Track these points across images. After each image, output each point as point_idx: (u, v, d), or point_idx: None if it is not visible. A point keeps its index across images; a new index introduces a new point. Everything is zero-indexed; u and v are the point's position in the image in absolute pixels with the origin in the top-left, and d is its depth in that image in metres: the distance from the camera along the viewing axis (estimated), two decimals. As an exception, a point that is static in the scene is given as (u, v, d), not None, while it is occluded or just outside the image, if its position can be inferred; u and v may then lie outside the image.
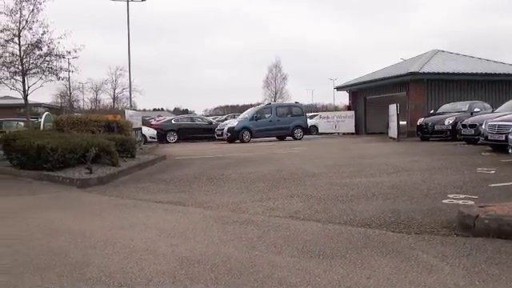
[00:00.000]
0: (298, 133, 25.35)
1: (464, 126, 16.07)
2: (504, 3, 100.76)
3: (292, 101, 40.59)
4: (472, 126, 15.52)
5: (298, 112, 26.38)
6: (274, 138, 25.04)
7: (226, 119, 31.54)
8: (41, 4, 15.04)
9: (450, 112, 19.55)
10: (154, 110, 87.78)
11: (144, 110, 69.58)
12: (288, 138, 24.92)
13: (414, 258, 3.87)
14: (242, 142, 23.41)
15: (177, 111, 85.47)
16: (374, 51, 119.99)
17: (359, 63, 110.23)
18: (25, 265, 3.97)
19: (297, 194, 7.11)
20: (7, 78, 15.31)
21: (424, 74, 23.49)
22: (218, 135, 24.91)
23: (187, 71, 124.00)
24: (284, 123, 25.03)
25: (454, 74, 23.88)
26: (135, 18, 60.06)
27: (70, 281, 3.56)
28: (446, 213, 5.41)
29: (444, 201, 6.14)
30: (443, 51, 28.24)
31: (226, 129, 24.18)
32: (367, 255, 4.00)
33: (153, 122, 29.28)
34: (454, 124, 17.94)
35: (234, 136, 23.58)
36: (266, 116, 25.04)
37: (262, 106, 26.71)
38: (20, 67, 15.05)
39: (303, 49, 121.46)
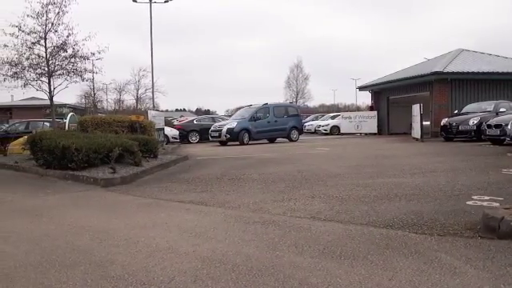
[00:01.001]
0: (294, 134, 24.48)
1: (489, 126, 15.79)
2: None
3: (314, 101, 39.98)
4: (497, 126, 15.24)
5: (293, 112, 25.53)
6: (265, 141, 23.91)
7: None
8: (66, 7, 15.32)
9: (475, 112, 19.21)
10: (177, 110, 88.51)
11: (166, 111, 70.27)
12: (278, 139, 24.04)
13: (436, 260, 3.83)
14: (242, 144, 22.04)
15: (199, 112, 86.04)
16: (398, 51, 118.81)
17: (383, 63, 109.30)
18: (51, 262, 4.06)
19: (318, 194, 7.09)
20: (34, 80, 15.63)
21: (448, 73, 23.12)
22: (212, 136, 23.25)
23: (209, 72, 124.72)
24: (281, 124, 24.09)
25: (479, 73, 23.45)
26: (158, 19, 60.70)
27: (94, 278, 3.63)
28: (471, 214, 5.33)
29: (468, 202, 6.05)
30: (468, 50, 27.76)
31: (224, 129, 22.50)
32: (389, 256, 3.97)
33: (175, 123, 29.55)
34: (479, 124, 17.62)
35: (234, 137, 22.29)
36: (265, 117, 23.86)
37: (259, 105, 24.50)
38: (46, 69, 15.35)
39: (326, 48, 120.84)
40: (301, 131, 26.06)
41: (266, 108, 24.27)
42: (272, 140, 24.13)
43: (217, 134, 22.90)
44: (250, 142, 22.72)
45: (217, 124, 24.29)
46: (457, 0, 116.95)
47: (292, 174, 9.64)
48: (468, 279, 3.41)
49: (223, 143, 22.42)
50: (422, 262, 3.81)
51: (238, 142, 22.20)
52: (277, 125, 23.90)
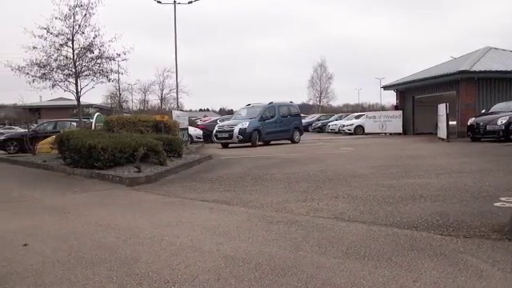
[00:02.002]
0: (296, 135, 23.13)
1: (518, 126, 15.41)
2: None
3: (338, 101, 39.35)
4: (527, 126, 14.86)
5: (295, 112, 24.06)
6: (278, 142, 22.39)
7: None
8: (93, 9, 15.59)
9: (503, 111, 18.76)
10: (200, 110, 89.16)
11: (190, 111, 70.83)
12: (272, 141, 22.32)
13: (462, 263, 3.77)
14: (254, 145, 20.31)
15: (222, 111, 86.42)
16: (424, 50, 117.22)
17: (408, 62, 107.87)
18: (78, 258, 4.15)
19: (342, 194, 7.05)
20: (61, 81, 15.95)
21: (475, 72, 22.67)
22: (219, 138, 21.28)
23: (232, 72, 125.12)
24: (286, 125, 22.55)
25: (507, 72, 22.91)
26: (183, 19, 61.20)
27: (119, 275, 3.69)
28: (498, 216, 5.22)
29: (496, 204, 5.93)
30: (496, 48, 27.17)
31: (236, 130, 20.50)
32: (414, 258, 3.93)
33: (199, 123, 29.74)
34: (508, 124, 17.24)
35: (246, 139, 20.43)
36: (272, 116, 22.11)
37: (265, 104, 22.64)
38: (73, 70, 15.64)
39: (350, 48, 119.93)
40: (302, 132, 24.80)
41: (272, 107, 22.60)
42: (267, 142, 22.08)
43: (226, 135, 20.88)
44: (258, 144, 21.14)
45: (223, 124, 22.37)
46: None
47: (315, 174, 9.61)
48: (495, 282, 3.35)
49: (225, 145, 20.81)
50: (447, 264, 3.76)
51: (243, 144, 20.60)
52: (282, 125, 22.46)
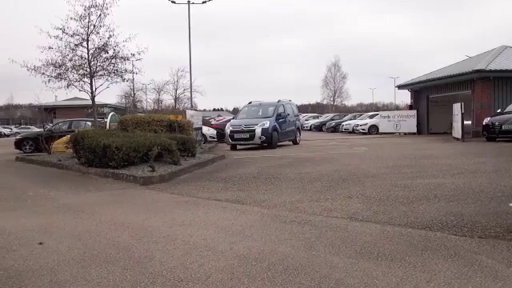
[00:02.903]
0: (298, 136, 21.58)
1: (535, 125, 15.20)
2: None
3: (352, 100, 38.43)
4: (544, 125, 14.66)
5: (295, 111, 22.52)
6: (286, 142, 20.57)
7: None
8: (107, 9, 15.70)
9: (520, 111, 18.54)
10: (214, 110, 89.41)
11: (204, 110, 71.06)
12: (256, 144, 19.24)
13: (477, 263, 3.74)
14: (272, 147, 18.19)
15: (236, 111, 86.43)
16: (439, 49, 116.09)
17: (422, 61, 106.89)
18: (92, 257, 4.20)
19: (355, 194, 7.02)
20: (76, 80, 16.09)
21: (491, 71, 22.39)
22: (235, 139, 18.70)
23: (246, 71, 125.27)
24: (291, 125, 20.91)
25: (523, 70, 22.58)
26: (197, 19, 61.34)
27: (133, 274, 3.72)
28: (514, 217, 5.17)
29: (511, 204, 5.86)
30: (511, 47, 26.81)
31: (259, 130, 18.25)
32: (428, 258, 3.91)
33: (212, 122, 29.81)
34: (524, 124, 17.00)
35: (268, 140, 18.34)
36: (283, 116, 20.11)
37: (275, 102, 20.63)
38: (88, 70, 15.78)
39: (364, 47, 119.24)
40: (300, 133, 22.87)
41: (281, 106, 20.54)
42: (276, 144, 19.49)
43: (245, 136, 18.47)
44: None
45: (237, 123, 19.35)
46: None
47: (329, 173, 9.58)
48: (510, 283, 3.32)
49: (234, 147, 18.67)
50: (461, 264, 3.73)
51: (250, 145, 18.89)
52: (290, 125, 20.82)
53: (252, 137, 18.36)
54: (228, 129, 19.20)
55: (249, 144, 18.63)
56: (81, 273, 3.79)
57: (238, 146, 19.16)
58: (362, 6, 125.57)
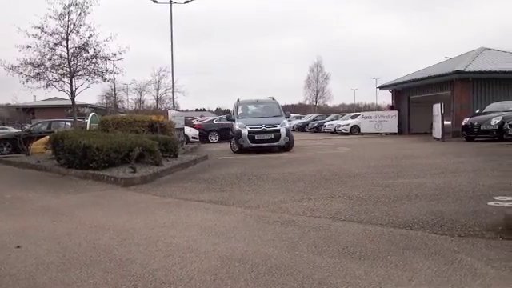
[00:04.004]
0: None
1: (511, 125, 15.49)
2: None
3: (334, 101, 37.71)
4: (520, 125, 14.94)
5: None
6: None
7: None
8: (87, 8, 15.52)
9: (497, 111, 18.86)
10: (197, 110, 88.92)
11: (186, 111, 70.63)
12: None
13: (457, 261, 3.79)
14: (287, 150, 16.50)
15: (219, 111, 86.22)
16: (421, 51, 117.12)
17: (404, 62, 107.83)
18: (72, 260, 4.13)
19: (338, 194, 7.06)
20: (56, 80, 15.89)
21: (470, 72, 22.76)
22: (256, 140, 16.19)
23: (229, 72, 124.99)
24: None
25: (501, 72, 23.00)
26: (180, 19, 60.98)
27: (114, 277, 3.67)
28: (492, 215, 5.25)
29: (490, 203, 5.95)
30: (489, 49, 27.29)
31: (284, 131, 16.38)
32: (409, 257, 3.94)
33: (195, 123, 29.68)
34: (501, 124, 17.33)
35: (290, 141, 16.73)
36: (288, 114, 19.60)
37: (274, 100, 19.09)
38: (68, 69, 15.59)
39: (346, 48, 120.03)
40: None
41: (276, 104, 18.89)
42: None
43: (270, 137, 16.22)
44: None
45: (252, 122, 16.77)
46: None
47: (311, 173, 9.61)
48: (489, 280, 3.36)
49: (241, 150, 16.35)
50: (442, 262, 3.77)
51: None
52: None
53: (277, 138, 16.24)
54: (243, 129, 16.27)
55: (272, 146, 16.43)
56: (60, 276, 3.73)
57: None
58: (343, 8, 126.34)
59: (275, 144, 16.31)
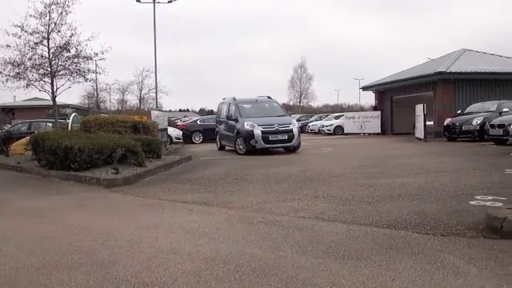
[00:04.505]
0: None
1: (492, 126, 15.74)
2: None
3: (318, 101, 37.32)
4: (501, 126, 15.19)
5: None
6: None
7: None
8: (69, 7, 15.31)
9: (478, 112, 19.16)
10: (180, 110, 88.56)
11: (170, 111, 70.25)
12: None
13: (439, 260, 3.82)
14: (293, 151, 15.84)
15: (202, 112, 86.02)
16: (404, 52, 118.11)
17: (387, 63, 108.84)
18: (53, 263, 4.06)
19: (322, 194, 7.08)
20: (36, 80, 15.64)
21: (451, 73, 23.07)
22: (271, 141, 15.32)
23: (213, 72, 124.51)
24: None
25: (482, 73, 23.38)
26: (163, 19, 60.55)
27: (97, 279, 3.62)
28: (473, 214, 5.32)
29: (471, 202, 6.03)
30: (471, 50, 27.70)
31: (296, 131, 15.77)
32: (392, 257, 3.97)
33: (178, 123, 29.53)
34: (482, 124, 17.58)
35: (299, 142, 16.18)
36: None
37: (265, 98, 18.26)
38: (49, 69, 15.36)
39: (329, 49, 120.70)
40: None
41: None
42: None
43: (284, 138, 15.48)
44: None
45: (263, 121, 15.68)
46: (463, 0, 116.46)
47: (295, 174, 9.63)
48: (471, 279, 3.40)
49: (252, 152, 15.22)
50: (425, 262, 3.80)
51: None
52: None
53: (291, 138, 15.53)
54: (255, 129, 15.28)
55: (286, 147, 15.86)
56: (41, 280, 3.66)
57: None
58: (327, 9, 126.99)
59: (288, 145, 15.71)
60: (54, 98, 15.91)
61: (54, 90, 15.66)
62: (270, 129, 15.44)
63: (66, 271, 3.83)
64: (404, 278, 3.44)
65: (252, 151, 15.22)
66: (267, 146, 15.34)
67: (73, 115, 16.67)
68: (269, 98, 18.37)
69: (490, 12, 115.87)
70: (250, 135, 15.35)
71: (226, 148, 17.58)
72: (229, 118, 16.93)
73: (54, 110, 17.67)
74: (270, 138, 15.31)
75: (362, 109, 60.70)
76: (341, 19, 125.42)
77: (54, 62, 15.39)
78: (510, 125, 14.05)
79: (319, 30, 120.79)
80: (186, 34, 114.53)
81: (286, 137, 15.46)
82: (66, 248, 4.55)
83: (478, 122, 18.09)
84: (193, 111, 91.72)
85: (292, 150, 15.83)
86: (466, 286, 3.28)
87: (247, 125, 15.51)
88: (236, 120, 16.29)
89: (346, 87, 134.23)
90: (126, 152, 10.41)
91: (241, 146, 15.70)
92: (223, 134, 17.71)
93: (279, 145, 15.66)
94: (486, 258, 3.84)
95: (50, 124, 19.91)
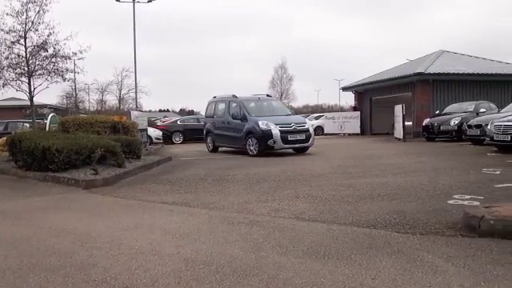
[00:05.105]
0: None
1: (470, 126, 16.02)
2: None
3: (298, 102, 36.72)
4: (478, 126, 15.47)
5: None
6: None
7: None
8: (47, 5, 15.12)
9: (456, 112, 19.49)
10: (160, 110, 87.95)
11: (150, 111, 69.75)
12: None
13: (419, 259, 3.87)
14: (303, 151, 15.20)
15: (182, 112, 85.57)
16: (383, 53, 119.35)
17: (366, 64, 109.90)
18: (30, 266, 3.99)
19: (302, 194, 7.10)
20: (13, 80, 15.41)
21: (430, 74, 23.40)
22: (290, 141, 14.60)
23: (194, 72, 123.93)
24: None
25: (459, 74, 23.80)
26: (143, 19, 59.97)
27: (76, 282, 3.57)
28: (452, 213, 5.40)
29: (449, 201, 6.13)
30: (448, 52, 28.16)
31: (312, 130, 15.54)
32: (372, 256, 4.00)
33: (158, 123, 29.32)
34: (460, 124, 17.88)
35: None
36: None
37: (264, 96, 17.86)
38: (26, 68, 15.13)
39: (310, 50, 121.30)
40: None
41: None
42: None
43: (302, 137, 14.79)
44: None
45: (278, 120, 14.97)
46: (441, 3, 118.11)
47: (276, 174, 9.65)
48: (449, 277, 3.45)
49: (261, 153, 14.44)
50: (404, 260, 3.84)
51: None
52: None
53: (308, 138, 14.91)
54: (273, 128, 14.40)
55: (304, 147, 15.12)
56: (18, 283, 3.59)
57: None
58: (308, 10, 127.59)
59: (306, 145, 15.03)
60: (31, 97, 15.68)
61: (32, 89, 15.45)
62: (287, 128, 14.65)
63: (44, 274, 3.76)
64: (384, 277, 3.48)
65: (263, 153, 14.36)
66: (286, 146, 14.61)
67: (51, 115, 16.38)
68: (268, 96, 17.38)
69: (469, 15, 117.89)
70: (267, 135, 14.35)
71: (219, 149, 16.86)
72: (234, 116, 15.74)
73: (32, 110, 17.41)
74: (289, 137, 14.53)
75: (341, 109, 61.14)
76: (321, 20, 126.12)
77: (31, 61, 15.18)
78: (486, 125, 14.30)
79: (300, 30, 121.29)
80: (167, 34, 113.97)
81: (303, 136, 14.78)
82: (44, 250, 4.48)
83: (456, 122, 18.41)
84: (173, 111, 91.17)
85: (302, 150, 15.15)
86: (445, 284, 3.32)
87: (263, 124, 14.49)
88: (244, 119, 15.28)
89: (326, 88, 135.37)
90: (106, 153, 10.30)
91: (252, 147, 14.67)
92: (220, 134, 16.59)
93: (297, 145, 14.92)
94: (464, 256, 3.91)
95: (28, 124, 19.62)
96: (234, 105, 16.13)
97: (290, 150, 15.21)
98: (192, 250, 4.34)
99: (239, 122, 15.45)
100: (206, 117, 18.32)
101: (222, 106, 17.01)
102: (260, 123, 14.59)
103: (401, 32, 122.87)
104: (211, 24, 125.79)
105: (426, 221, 5.12)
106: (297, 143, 14.78)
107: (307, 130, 15.00)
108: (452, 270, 3.60)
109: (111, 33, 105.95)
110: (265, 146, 14.37)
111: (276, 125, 14.53)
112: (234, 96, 16.62)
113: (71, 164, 9.89)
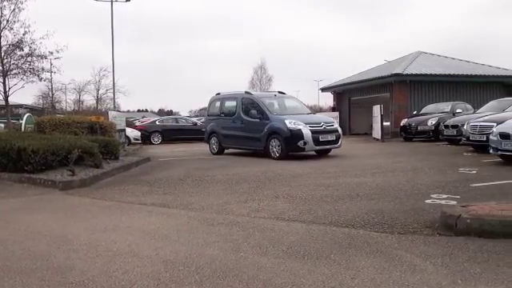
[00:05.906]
0: None
1: (446, 126, 16.29)
2: (491, 8, 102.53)
3: None
4: (454, 126, 15.75)
5: None
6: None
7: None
8: (22, 3, 14.88)
9: (433, 113, 19.81)
10: (139, 111, 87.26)
11: (128, 111, 69.17)
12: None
13: (397, 258, 3.90)
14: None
15: (161, 112, 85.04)
16: (361, 53, 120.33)
17: (345, 65, 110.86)
18: (5, 269, 3.90)
19: (282, 194, 7.11)
20: (-13, 79, 15.09)
21: (408, 75, 23.73)
22: (321, 142, 13.37)
23: (172, 72, 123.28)
24: None
25: (436, 75, 24.20)
26: (122, 18, 59.35)
27: (52, 285, 3.51)
28: (429, 213, 5.47)
29: (427, 201, 6.21)
30: (426, 52, 28.58)
31: (340, 131, 14.39)
32: (351, 255, 4.02)
33: (137, 124, 29.07)
34: (437, 125, 18.19)
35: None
36: None
37: (274, 92, 16.38)
38: (0, 68, 14.84)
39: (289, 50, 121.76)
40: None
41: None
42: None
43: (332, 138, 13.63)
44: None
45: (309, 119, 13.80)
46: (419, 4, 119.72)
47: (256, 174, 9.64)
48: (427, 275, 3.49)
49: (286, 156, 13.10)
50: (383, 260, 3.87)
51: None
52: None
53: (338, 138, 13.76)
54: (303, 128, 13.02)
55: (334, 148, 13.95)
56: (-8, 286, 3.51)
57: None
58: (287, 10, 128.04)
59: (335, 146, 13.80)
60: (6, 97, 15.42)
61: (7, 89, 15.18)
62: (318, 128, 13.34)
63: (20, 277, 3.69)
64: (363, 276, 3.50)
65: (287, 155, 13.07)
66: (317, 147, 13.38)
67: (26, 115, 16.14)
68: (281, 92, 16.02)
69: (445, 16, 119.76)
70: (296, 135, 12.93)
71: (225, 151, 15.64)
72: (251, 115, 14.24)
73: (7, 111, 17.13)
74: (320, 138, 13.24)
75: (320, 110, 61.43)
76: (301, 21, 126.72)
77: (5, 60, 14.94)
78: (463, 125, 14.55)
79: (279, 30, 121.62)
80: (145, 34, 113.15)
81: (333, 137, 13.60)
82: (20, 253, 4.38)
83: (433, 122, 18.72)
84: (151, 112, 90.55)
85: (325, 152, 13.99)
86: (423, 282, 3.36)
87: (290, 123, 13.11)
88: (264, 118, 13.84)
89: (306, 88, 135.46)
90: (83, 153, 10.15)
91: (275, 149, 13.31)
92: (229, 134, 15.13)
93: (328, 146, 13.71)
94: (442, 254, 3.96)
95: (2, 125, 19.24)
96: (249, 102, 14.68)
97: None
98: (171, 251, 4.30)
99: (257, 120, 14.01)
100: (209, 116, 16.76)
101: (231, 104, 15.52)
102: (287, 122, 13.18)
103: (379, 33, 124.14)
104: (189, 24, 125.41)
105: (404, 220, 5.17)
106: (328, 144, 13.62)
107: (336, 130, 13.91)
108: (430, 268, 3.64)
109: (90, 32, 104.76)
110: (292, 147, 13.07)
111: (306, 124, 13.25)
112: (248, 92, 15.49)
113: (48, 165, 9.72)
